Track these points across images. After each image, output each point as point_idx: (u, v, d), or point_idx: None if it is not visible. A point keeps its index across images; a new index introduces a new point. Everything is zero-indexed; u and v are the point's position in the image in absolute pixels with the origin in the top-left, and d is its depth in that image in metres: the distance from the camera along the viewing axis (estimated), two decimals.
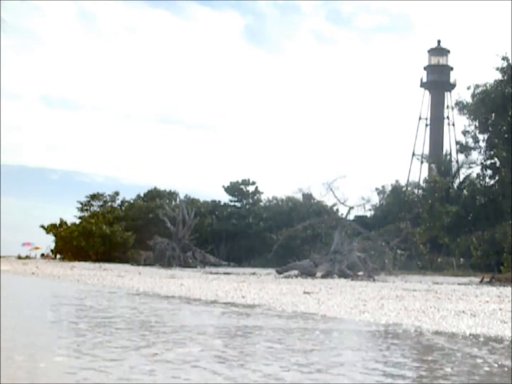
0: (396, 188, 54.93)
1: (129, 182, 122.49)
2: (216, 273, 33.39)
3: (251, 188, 59.94)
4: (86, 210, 63.29)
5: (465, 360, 6.66)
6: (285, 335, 8.37)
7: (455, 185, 52.28)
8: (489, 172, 46.91)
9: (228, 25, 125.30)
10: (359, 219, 47.12)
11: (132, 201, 63.18)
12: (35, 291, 17.58)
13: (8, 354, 6.16)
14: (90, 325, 8.99)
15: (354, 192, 69.82)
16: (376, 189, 56.44)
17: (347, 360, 6.48)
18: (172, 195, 62.39)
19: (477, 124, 46.95)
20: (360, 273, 31.45)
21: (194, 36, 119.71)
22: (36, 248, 68.62)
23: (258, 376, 5.48)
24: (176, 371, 5.58)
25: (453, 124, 63.80)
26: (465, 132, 48.79)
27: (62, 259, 58.16)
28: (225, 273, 33.47)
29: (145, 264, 45.74)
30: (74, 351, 6.49)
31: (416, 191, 56.61)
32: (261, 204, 59.68)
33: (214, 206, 59.61)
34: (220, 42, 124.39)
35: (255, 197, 59.90)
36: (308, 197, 52.78)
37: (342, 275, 30.62)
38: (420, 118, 65.20)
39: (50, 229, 60.40)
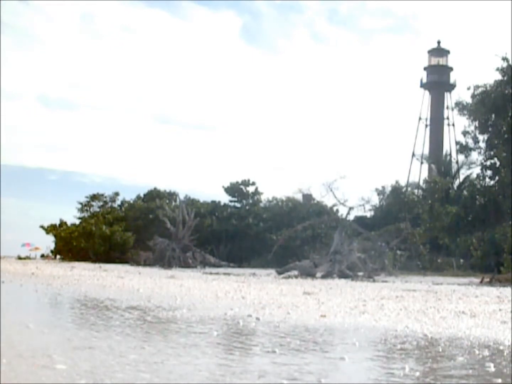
0: (396, 189, 54.93)
1: (128, 182, 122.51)
2: (216, 274, 33.37)
3: (251, 189, 59.98)
4: (86, 210, 63.32)
5: (465, 360, 6.66)
6: None
7: (455, 185, 52.29)
8: (489, 172, 46.88)
9: (225, 25, 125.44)
10: (359, 219, 47.12)
11: (132, 202, 63.17)
12: None
13: None
14: None
15: (354, 193, 69.60)
16: (376, 189, 56.48)
17: None
18: (172, 195, 62.36)
19: (477, 124, 46.93)
20: (360, 273, 31.45)
21: (191, 36, 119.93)
22: (36, 248, 68.65)
23: None
24: None
25: (453, 125, 63.95)
26: (465, 133, 48.77)
27: (62, 259, 58.15)
28: (225, 274, 33.46)
29: (145, 265, 45.70)
30: None
31: (416, 191, 56.64)
32: (261, 204, 59.64)
33: (214, 206, 59.58)
34: (218, 42, 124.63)
35: (255, 198, 59.87)
36: (308, 197, 52.76)
37: (342, 275, 30.62)
38: (420, 119, 65.31)
39: (50, 229, 60.39)
